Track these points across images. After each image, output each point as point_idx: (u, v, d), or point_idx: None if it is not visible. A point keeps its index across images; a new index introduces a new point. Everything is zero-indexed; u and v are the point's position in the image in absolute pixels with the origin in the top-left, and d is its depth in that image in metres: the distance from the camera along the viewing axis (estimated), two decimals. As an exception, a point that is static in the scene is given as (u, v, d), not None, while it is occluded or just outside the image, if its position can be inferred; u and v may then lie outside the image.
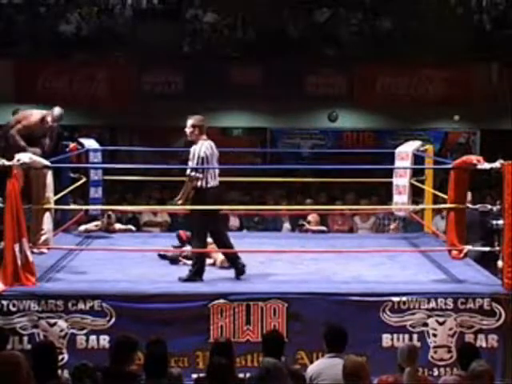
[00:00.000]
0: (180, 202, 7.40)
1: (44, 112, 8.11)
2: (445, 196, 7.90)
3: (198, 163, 7.27)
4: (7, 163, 6.97)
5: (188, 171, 7.29)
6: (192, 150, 7.34)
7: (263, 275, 7.63)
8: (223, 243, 7.51)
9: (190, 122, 7.40)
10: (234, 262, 7.53)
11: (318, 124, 16.96)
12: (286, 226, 11.44)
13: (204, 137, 7.40)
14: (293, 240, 9.57)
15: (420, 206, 9.47)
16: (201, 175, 7.25)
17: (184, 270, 7.53)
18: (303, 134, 17.15)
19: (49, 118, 7.99)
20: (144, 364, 5.42)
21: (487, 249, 7.38)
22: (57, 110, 8.08)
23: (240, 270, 7.46)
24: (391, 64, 16.29)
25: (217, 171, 7.43)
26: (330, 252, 8.50)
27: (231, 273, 7.68)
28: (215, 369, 5.22)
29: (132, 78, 16.09)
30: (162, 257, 8.20)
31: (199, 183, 7.26)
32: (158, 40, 16.16)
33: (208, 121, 17.89)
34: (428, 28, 16.69)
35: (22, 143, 7.85)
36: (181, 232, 8.50)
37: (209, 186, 7.30)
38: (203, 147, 7.32)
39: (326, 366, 5.62)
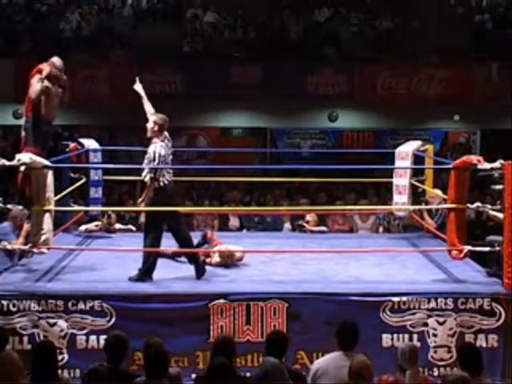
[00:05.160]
0: (142, 203, 7.44)
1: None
2: (445, 196, 7.91)
3: (158, 163, 7.33)
4: (7, 163, 6.99)
5: (145, 172, 7.34)
6: (150, 150, 7.40)
7: (263, 275, 7.63)
8: (184, 241, 7.54)
9: (152, 117, 7.55)
10: (194, 261, 7.49)
11: (318, 124, 16.97)
12: (287, 226, 11.43)
13: (161, 137, 7.47)
14: (293, 240, 9.57)
15: (420, 206, 9.45)
16: (159, 175, 7.34)
17: (186, 268, 7.55)
18: (303, 134, 17.16)
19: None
20: (144, 364, 5.42)
21: (487, 249, 7.37)
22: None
23: (200, 271, 7.42)
24: (391, 64, 16.30)
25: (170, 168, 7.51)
26: (330, 252, 8.49)
27: (231, 272, 7.69)
28: (216, 367, 5.23)
29: (132, 78, 16.03)
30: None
31: (157, 183, 7.36)
32: (158, 40, 16.17)
33: (208, 121, 17.97)
34: (428, 28, 16.71)
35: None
36: (208, 232, 8.56)
37: (166, 182, 7.38)
38: (158, 148, 7.37)
39: (333, 364, 5.59)
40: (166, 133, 7.52)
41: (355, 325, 5.78)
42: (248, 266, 8.00)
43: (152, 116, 7.59)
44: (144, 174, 7.39)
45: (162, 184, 7.37)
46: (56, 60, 7.92)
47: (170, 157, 7.53)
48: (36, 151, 7.53)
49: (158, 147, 7.38)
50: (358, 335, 5.73)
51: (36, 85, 7.67)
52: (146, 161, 7.42)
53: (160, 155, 7.33)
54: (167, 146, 7.50)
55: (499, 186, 7.12)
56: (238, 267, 7.97)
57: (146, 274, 7.30)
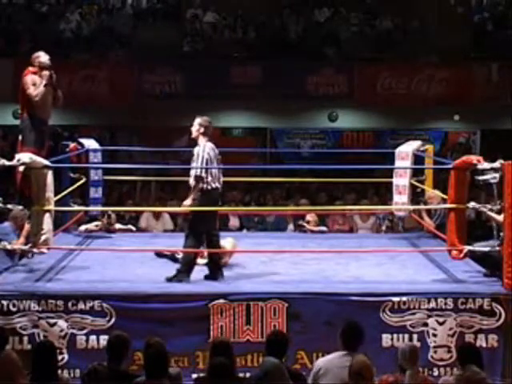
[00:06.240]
0: (188, 203, 7.40)
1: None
2: (445, 196, 7.91)
3: (202, 164, 7.32)
4: (7, 163, 7.00)
5: (193, 172, 7.33)
6: (195, 151, 7.40)
7: (263, 275, 7.63)
8: (214, 246, 7.53)
9: (197, 120, 7.53)
10: (215, 265, 7.50)
11: (318, 124, 16.97)
12: (291, 227, 11.38)
13: (207, 138, 7.47)
14: (293, 240, 9.57)
15: (419, 207, 9.45)
16: (204, 175, 7.31)
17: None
18: (303, 134, 17.16)
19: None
20: (144, 364, 5.42)
21: (487, 249, 7.36)
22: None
23: (215, 276, 7.40)
24: (391, 64, 16.31)
25: (220, 173, 7.48)
26: (330, 252, 8.49)
27: (231, 272, 7.68)
28: (216, 367, 5.23)
29: (132, 77, 16.10)
30: (159, 255, 8.20)
31: (204, 185, 7.32)
32: (158, 40, 16.18)
33: (208, 121, 17.72)
34: (428, 28, 16.72)
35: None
36: None
37: (213, 187, 7.37)
38: (206, 148, 7.39)
39: (336, 364, 5.58)
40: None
41: (359, 325, 5.78)
42: (248, 266, 7.99)
43: (197, 119, 7.55)
44: (191, 175, 7.38)
45: (209, 187, 7.34)
46: (42, 56, 7.91)
47: (214, 163, 7.46)
48: (35, 151, 7.53)
49: (202, 149, 7.36)
50: (363, 336, 5.73)
51: (39, 88, 7.71)
52: (193, 163, 7.41)
53: (203, 156, 7.30)
54: (213, 148, 7.48)
55: (484, 177, 7.13)
56: (237, 267, 7.97)
57: (184, 274, 7.27)
